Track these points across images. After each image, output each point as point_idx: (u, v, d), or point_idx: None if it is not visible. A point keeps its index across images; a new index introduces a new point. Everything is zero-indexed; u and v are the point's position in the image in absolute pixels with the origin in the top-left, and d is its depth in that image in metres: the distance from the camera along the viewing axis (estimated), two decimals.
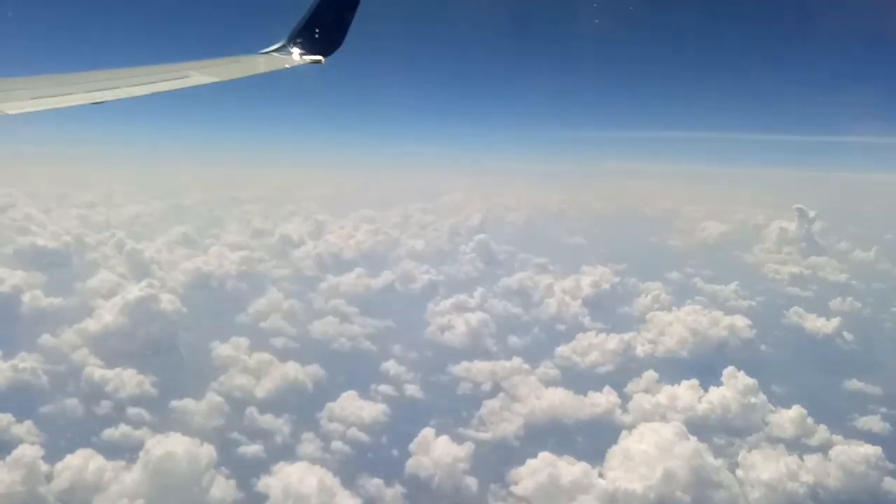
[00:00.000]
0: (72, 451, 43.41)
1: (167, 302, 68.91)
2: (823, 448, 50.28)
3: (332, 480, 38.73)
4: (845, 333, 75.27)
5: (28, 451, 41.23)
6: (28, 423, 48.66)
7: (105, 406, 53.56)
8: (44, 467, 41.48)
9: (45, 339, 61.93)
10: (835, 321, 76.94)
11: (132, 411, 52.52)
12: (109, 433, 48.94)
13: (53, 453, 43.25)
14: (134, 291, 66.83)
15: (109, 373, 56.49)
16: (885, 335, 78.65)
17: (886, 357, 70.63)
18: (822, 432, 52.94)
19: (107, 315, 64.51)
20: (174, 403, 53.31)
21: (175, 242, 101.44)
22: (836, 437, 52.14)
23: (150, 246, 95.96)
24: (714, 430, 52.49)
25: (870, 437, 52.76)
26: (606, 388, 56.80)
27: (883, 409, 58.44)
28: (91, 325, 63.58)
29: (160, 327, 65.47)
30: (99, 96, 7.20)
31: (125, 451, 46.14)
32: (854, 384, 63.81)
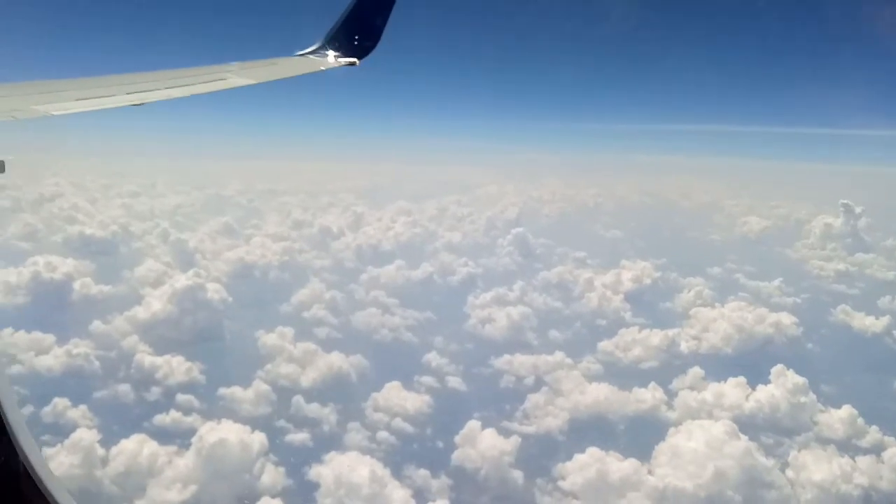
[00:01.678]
0: (125, 435, 44.49)
1: (213, 291, 70.03)
2: (875, 450, 49.40)
3: (382, 471, 38.95)
4: (895, 332, 73.56)
5: (85, 436, 42.27)
6: (83, 408, 49.95)
7: (155, 392, 54.69)
8: (99, 451, 42.46)
9: (96, 325, 63.36)
10: (884, 320, 75.17)
11: (181, 398, 53.49)
12: (160, 419, 49.99)
13: (108, 438, 44.30)
14: (181, 280, 67.98)
15: (159, 360, 57.62)
16: None
17: None
18: (874, 433, 51.90)
19: (155, 303, 65.77)
20: (222, 391, 54.19)
21: (217, 232, 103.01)
22: (889, 439, 51.08)
23: (194, 236, 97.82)
24: (762, 430, 51.76)
25: None
26: (652, 385, 56.32)
27: None
28: (140, 312, 64.89)
29: (206, 316, 66.59)
30: (139, 98, 7.31)
31: (176, 437, 47.23)
32: None
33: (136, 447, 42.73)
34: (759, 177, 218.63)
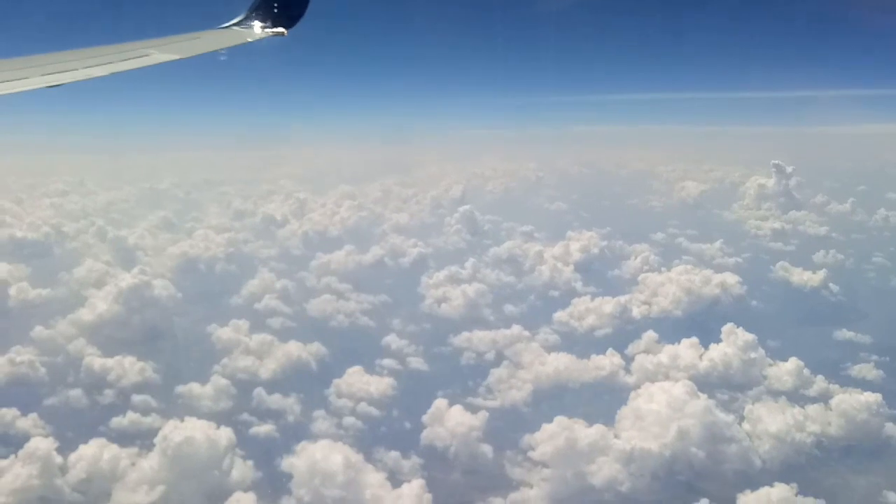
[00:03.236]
0: (83, 441, 42.84)
1: (160, 288, 68.16)
2: (822, 398, 51.59)
3: (355, 457, 38.76)
4: (831, 285, 76.98)
5: (41, 445, 40.58)
6: (33, 417, 48.01)
7: (109, 395, 53.02)
8: (57, 459, 40.91)
9: (39, 331, 60.68)
10: (821, 274, 78.58)
11: (137, 398, 51.95)
12: (118, 421, 48.45)
13: (65, 445, 42.54)
14: (126, 279, 65.82)
15: (109, 361, 55.76)
16: (869, 285, 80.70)
17: (872, 306, 72.49)
18: (820, 383, 54.32)
19: (100, 304, 63.53)
20: (179, 388, 52.87)
21: (156, 227, 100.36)
22: (833, 387, 53.53)
23: (132, 232, 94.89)
24: (716, 387, 53.48)
25: (864, 385, 54.24)
26: (609, 351, 57.46)
27: (874, 357, 59.93)
28: (85, 314, 62.60)
29: (155, 313, 64.78)
30: (55, 79, 6.88)
31: (136, 439, 45.98)
32: (844, 334, 65.41)
33: (95, 452, 41.26)
34: (691, 142, 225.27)
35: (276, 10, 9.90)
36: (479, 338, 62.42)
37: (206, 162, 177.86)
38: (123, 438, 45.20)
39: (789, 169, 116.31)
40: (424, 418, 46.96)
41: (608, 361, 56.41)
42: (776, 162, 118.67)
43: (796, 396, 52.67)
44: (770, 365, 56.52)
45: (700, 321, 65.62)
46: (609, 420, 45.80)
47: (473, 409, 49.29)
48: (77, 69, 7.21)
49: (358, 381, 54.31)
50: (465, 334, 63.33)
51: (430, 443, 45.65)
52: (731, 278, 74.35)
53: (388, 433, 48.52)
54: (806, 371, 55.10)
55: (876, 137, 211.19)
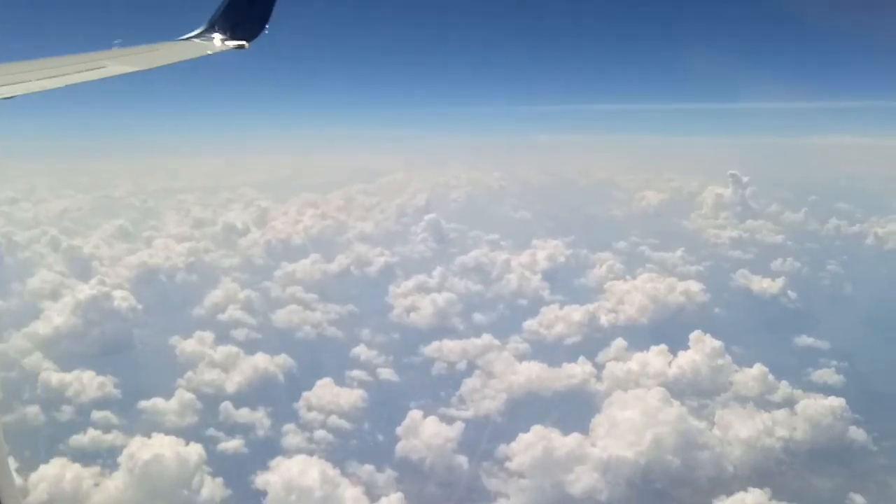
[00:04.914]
0: (43, 461, 41.22)
1: (120, 299, 65.97)
2: (787, 403, 52.57)
3: (332, 472, 37.95)
4: (790, 292, 78.64)
5: None
6: None
7: (67, 411, 51.11)
8: (17, 480, 39.06)
9: None
10: (779, 281, 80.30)
11: (98, 415, 50.19)
12: (78, 439, 46.65)
13: (23, 465, 40.76)
14: (84, 290, 63.66)
15: (67, 376, 53.79)
16: (825, 291, 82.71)
17: (829, 312, 74.24)
18: (784, 388, 55.30)
19: (56, 316, 61.35)
20: (142, 404, 51.22)
21: (112, 237, 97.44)
22: (797, 392, 54.59)
23: (87, 242, 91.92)
24: (686, 393, 53.99)
25: (826, 389, 55.41)
26: (581, 359, 57.64)
27: (834, 363, 61.30)
28: (40, 327, 60.32)
29: (114, 326, 62.81)
30: (8, 91, 6.62)
31: (98, 457, 44.34)
32: (804, 340, 66.77)
33: (57, 472, 39.71)
34: (649, 152, 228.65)
35: (237, 23, 9.55)
36: (450, 347, 62.06)
37: (164, 169, 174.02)
38: (84, 457, 43.57)
39: (745, 179, 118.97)
40: (398, 430, 46.43)
41: (580, 369, 56.60)
42: (732, 172, 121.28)
43: (762, 402, 53.53)
44: (736, 371, 57.41)
45: (666, 328, 66.27)
46: (583, 428, 45.90)
47: (447, 420, 48.94)
48: (31, 81, 6.96)
49: (328, 394, 53.44)
50: (436, 344, 62.87)
51: (404, 455, 45.11)
52: (694, 286, 75.47)
53: (360, 446, 47.80)
54: (770, 377, 56.08)
55: (826, 149, 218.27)
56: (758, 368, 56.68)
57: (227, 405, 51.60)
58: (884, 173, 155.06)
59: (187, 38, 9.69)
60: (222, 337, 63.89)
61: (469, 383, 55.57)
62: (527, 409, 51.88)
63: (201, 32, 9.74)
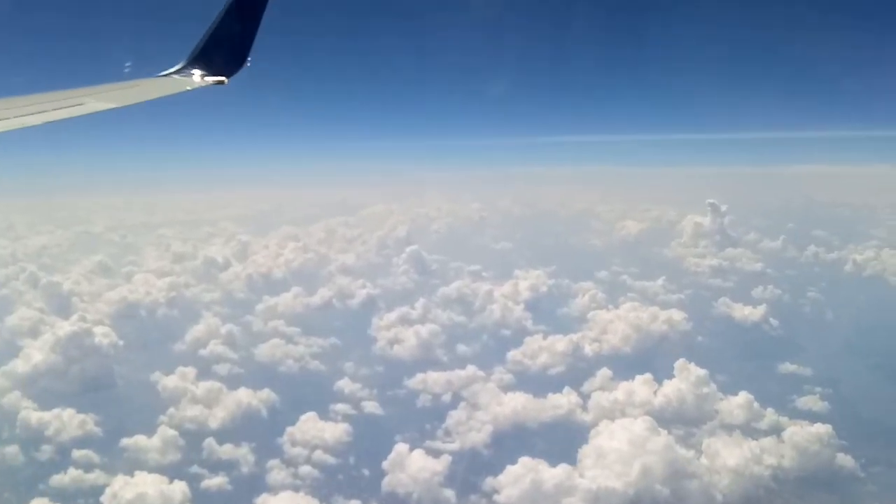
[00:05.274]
0: (23, 502, 40.34)
1: (100, 335, 65.05)
2: (774, 430, 52.62)
3: None
4: (771, 319, 79.37)
5: None
6: None
7: (47, 451, 50.05)
8: None
9: None
10: (760, 309, 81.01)
11: (78, 454, 49.28)
12: (58, 479, 45.69)
13: None
14: (64, 327, 62.69)
15: (47, 415, 52.79)
16: (806, 318, 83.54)
17: (810, 339, 74.98)
18: (770, 415, 55.40)
19: (35, 354, 60.30)
20: (124, 441, 50.32)
21: (92, 273, 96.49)
22: (783, 419, 54.76)
23: (67, 278, 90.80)
24: (672, 422, 53.89)
25: (812, 416, 55.66)
26: (566, 389, 57.57)
27: (818, 389, 61.74)
28: (19, 365, 59.27)
29: (95, 363, 61.81)
30: None
31: (79, 497, 43.50)
32: (787, 367, 67.26)
33: None
34: (627, 182, 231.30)
35: (216, 59, 9.69)
36: (434, 379, 61.72)
37: (143, 204, 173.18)
38: (66, 497, 42.81)
39: (723, 207, 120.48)
40: (384, 464, 45.91)
41: (565, 400, 56.51)
42: (711, 201, 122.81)
43: (749, 430, 53.55)
44: (721, 399, 57.53)
45: (650, 357, 66.54)
46: (571, 459, 45.61)
47: (433, 453, 48.50)
48: (10, 118, 7.00)
49: (312, 428, 52.85)
50: (420, 376, 62.53)
51: (391, 489, 44.63)
52: (676, 315, 75.94)
53: (346, 481, 47.22)
54: (756, 404, 56.21)
55: (802, 177, 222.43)
56: (743, 396, 56.79)
57: (210, 441, 50.84)
58: (856, 201, 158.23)
59: (167, 74, 9.74)
60: (204, 372, 63.11)
61: (454, 415, 55.22)
62: (513, 441, 51.56)
63: (181, 68, 9.78)
